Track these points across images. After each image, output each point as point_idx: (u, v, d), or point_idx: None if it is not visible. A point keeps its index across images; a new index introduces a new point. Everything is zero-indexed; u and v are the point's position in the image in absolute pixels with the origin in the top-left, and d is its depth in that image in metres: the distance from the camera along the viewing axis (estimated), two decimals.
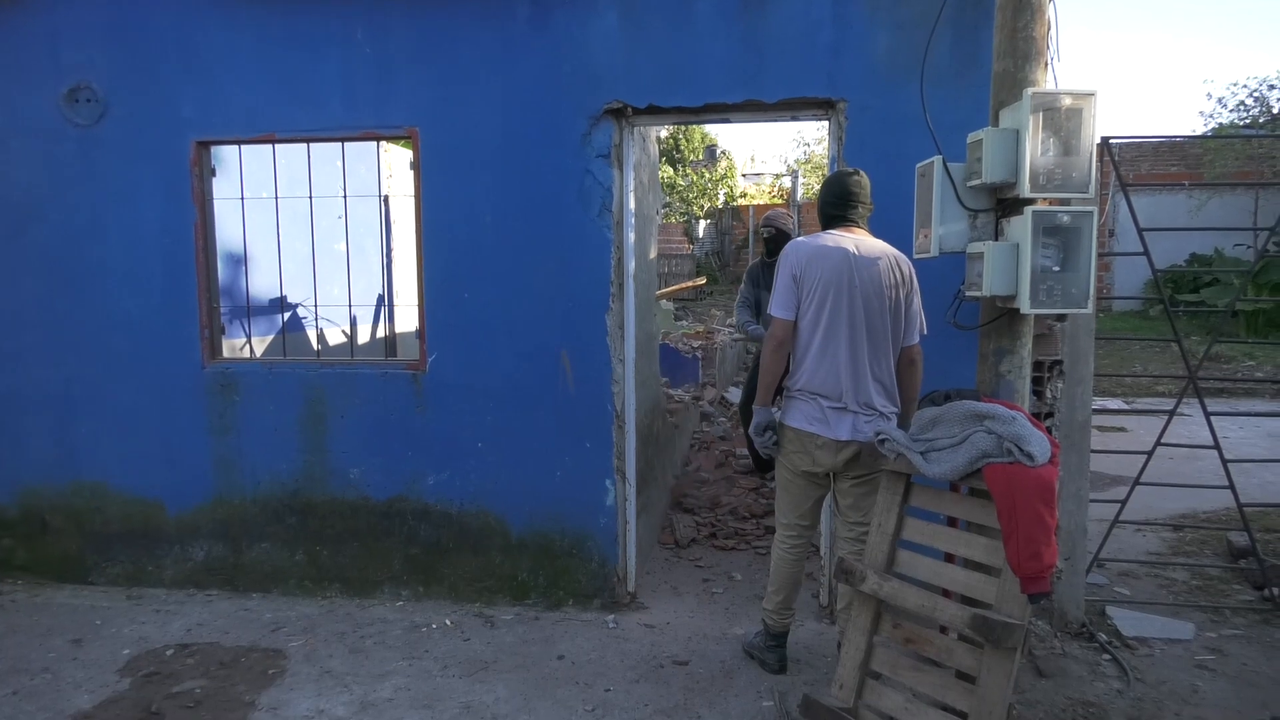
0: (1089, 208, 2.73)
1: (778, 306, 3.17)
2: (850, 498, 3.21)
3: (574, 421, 4.02)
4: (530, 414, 4.05)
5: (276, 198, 4.58)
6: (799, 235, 5.86)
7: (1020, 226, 2.73)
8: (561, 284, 3.97)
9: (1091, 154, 2.69)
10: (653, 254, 5.47)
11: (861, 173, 3.24)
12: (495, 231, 4.01)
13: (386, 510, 4.20)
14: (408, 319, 6.97)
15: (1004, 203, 2.87)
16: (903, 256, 3.14)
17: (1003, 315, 2.92)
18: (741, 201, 25.47)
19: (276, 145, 4.25)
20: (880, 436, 2.95)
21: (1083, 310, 2.73)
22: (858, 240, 3.14)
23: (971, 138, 2.84)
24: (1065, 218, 2.69)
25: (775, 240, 5.63)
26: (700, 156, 30.29)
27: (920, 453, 2.80)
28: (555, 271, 3.97)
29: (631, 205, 4.07)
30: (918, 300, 3.16)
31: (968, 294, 2.91)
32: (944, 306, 3.22)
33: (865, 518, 3.18)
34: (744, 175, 29.09)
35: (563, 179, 3.94)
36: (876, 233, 3.26)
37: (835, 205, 3.23)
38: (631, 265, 4.07)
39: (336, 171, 5.56)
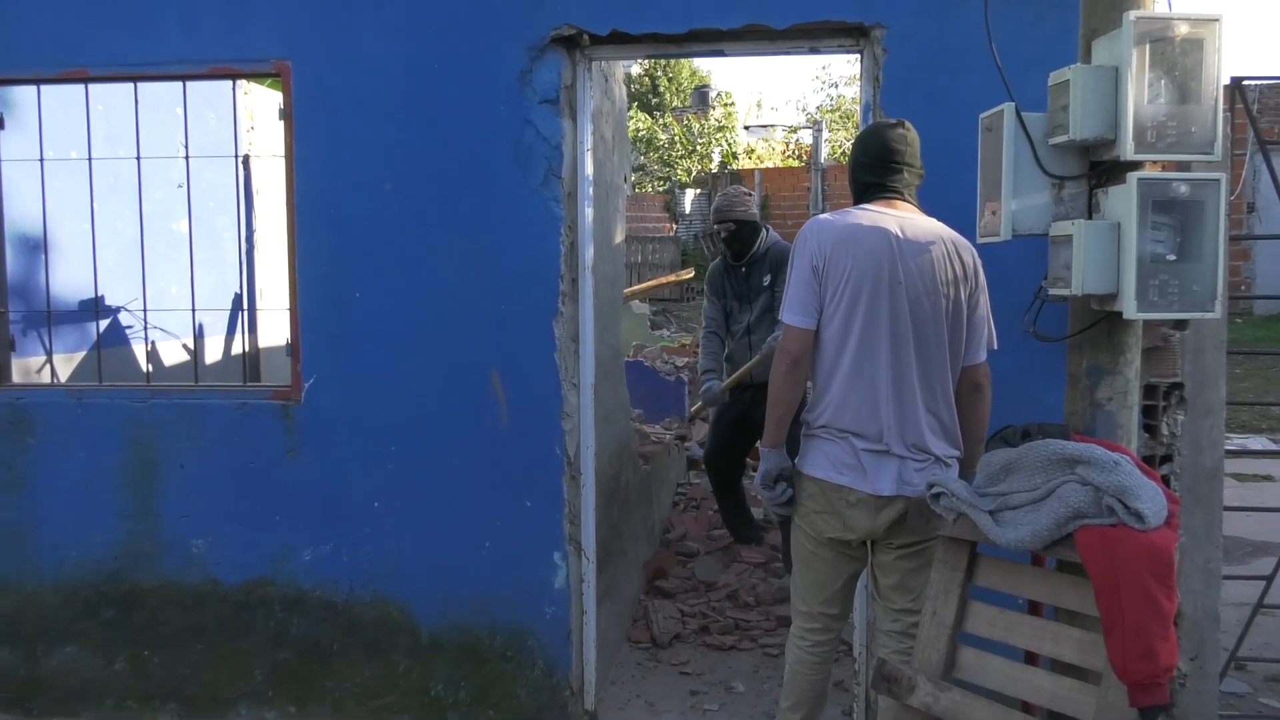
0: (1215, 174, 2.77)
1: (791, 310, 3.17)
2: (895, 575, 3.20)
3: (509, 471, 4.02)
4: (447, 460, 4.05)
5: (90, 159, 4.54)
6: (819, 213, 5.91)
7: (1122, 199, 2.77)
8: (491, 279, 3.98)
9: (1217, 101, 2.73)
10: (620, 237, 5.50)
11: (908, 125, 3.27)
12: (398, 206, 4.02)
13: (244, 598, 4.17)
14: (276, 328, 6.92)
15: (1099, 167, 2.90)
16: (965, 242, 3.16)
17: (1100, 322, 2.95)
18: (744, 164, 25.67)
19: (90, 85, 4.22)
20: (934, 489, 2.97)
21: (1209, 314, 2.76)
22: (903, 219, 3.15)
23: (1054, 78, 2.88)
24: (1183, 188, 2.72)
25: (737, 236, 5.67)
26: (688, 102, 30.52)
27: (989, 512, 2.82)
28: (483, 261, 3.98)
29: (589, 169, 4.08)
30: (986, 302, 3.19)
31: (1051, 292, 2.94)
32: (1018, 311, 3.25)
33: (916, 603, 3.17)
34: (747, 128, 29.31)
35: (493, 133, 3.95)
36: (925, 207, 3.30)
37: (872, 170, 3.24)
38: (590, 253, 4.08)
39: (176, 122, 5.52)
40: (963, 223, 3.29)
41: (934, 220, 3.19)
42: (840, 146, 26.55)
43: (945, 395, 3.16)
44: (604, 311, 4.59)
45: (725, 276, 5.80)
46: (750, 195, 5.83)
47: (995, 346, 3.23)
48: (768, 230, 5.82)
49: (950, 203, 3.41)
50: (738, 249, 5.67)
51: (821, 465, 3.20)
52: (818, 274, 3.13)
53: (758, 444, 6.16)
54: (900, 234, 3.11)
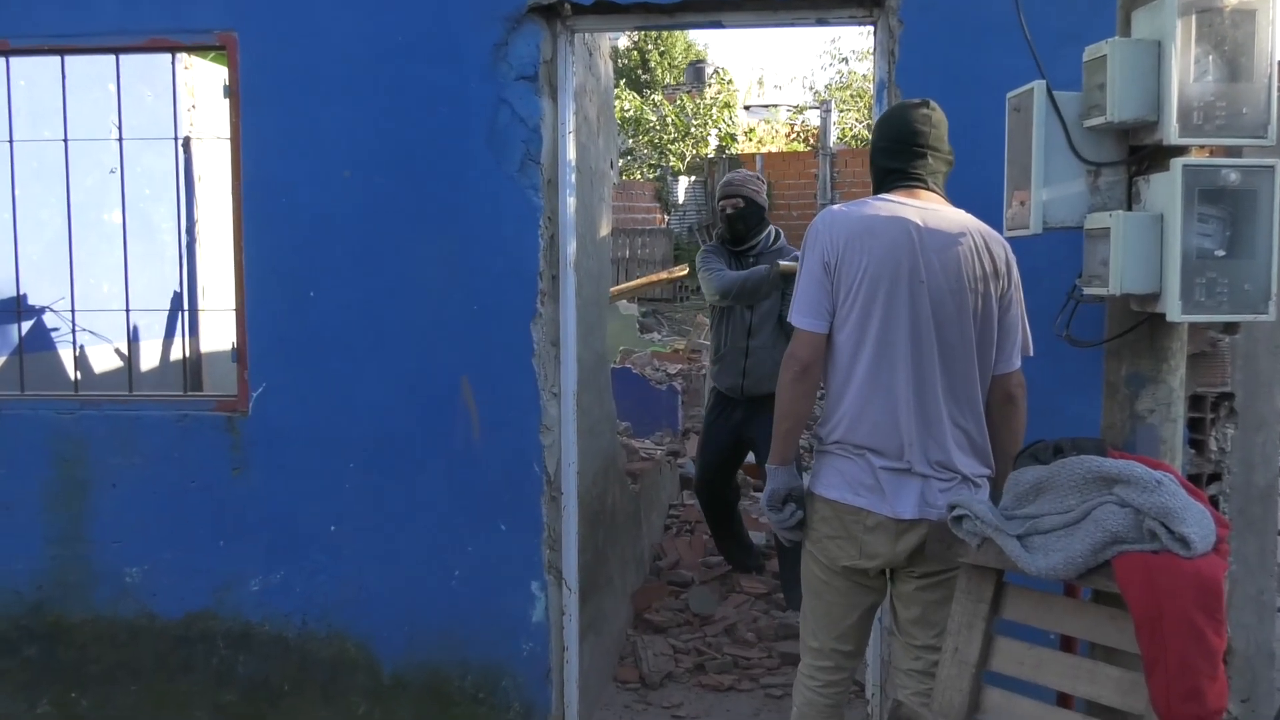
0: (1269, 161, 2.77)
1: (801, 311, 3.14)
2: (916, 607, 3.18)
3: (481, 490, 4.02)
4: (413, 479, 4.05)
5: (11, 141, 4.52)
6: (828, 202, 5.85)
7: (1165, 188, 2.77)
8: (462, 276, 3.98)
9: (1271, 79, 2.73)
10: (605, 229, 5.49)
11: (934, 105, 3.24)
12: (358, 195, 4.02)
13: (184, 632, 4.16)
14: (221, 331, 6.89)
15: (1140, 152, 2.90)
16: (997, 236, 3.14)
17: (1140, 325, 2.95)
18: (743, 147, 25.74)
19: (10, 58, 4.21)
20: (957, 512, 2.96)
21: (1263, 317, 2.76)
22: (925, 209, 3.12)
23: (1089, 53, 2.88)
24: (1233, 175, 2.72)
25: (744, 216, 5.68)
26: (681, 79, 30.59)
27: (1017, 536, 2.81)
28: (453, 257, 3.98)
29: (571, 154, 4.08)
30: (1021, 303, 3.17)
31: (1086, 292, 2.94)
32: (1049, 313, 3.25)
33: (939, 639, 3.14)
34: (747, 108, 29.43)
35: (464, 113, 3.95)
36: (946, 197, 3.29)
37: (893, 155, 3.23)
38: (572, 248, 4.08)
39: (108, 100, 5.50)
40: (987, 214, 3.28)
41: (961, 211, 3.17)
42: (851, 129, 26.64)
43: (973, 407, 3.14)
44: (588, 313, 4.58)
45: (727, 260, 5.76)
46: (762, 182, 5.84)
47: (1030, 352, 3.22)
48: (778, 232, 5.82)
49: (973, 192, 3.40)
50: (740, 231, 5.69)
51: (836, 485, 3.16)
52: (830, 271, 3.10)
53: (750, 459, 6.16)
54: (922, 226, 3.08)
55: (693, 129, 25.37)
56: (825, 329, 3.12)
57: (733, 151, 24.82)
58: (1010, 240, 3.13)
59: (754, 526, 6.64)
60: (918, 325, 3.07)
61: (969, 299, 3.08)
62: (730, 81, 27.71)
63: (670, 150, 25.29)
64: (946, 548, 3.03)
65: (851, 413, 3.13)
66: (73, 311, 4.77)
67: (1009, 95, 3.07)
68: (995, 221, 3.15)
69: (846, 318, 3.11)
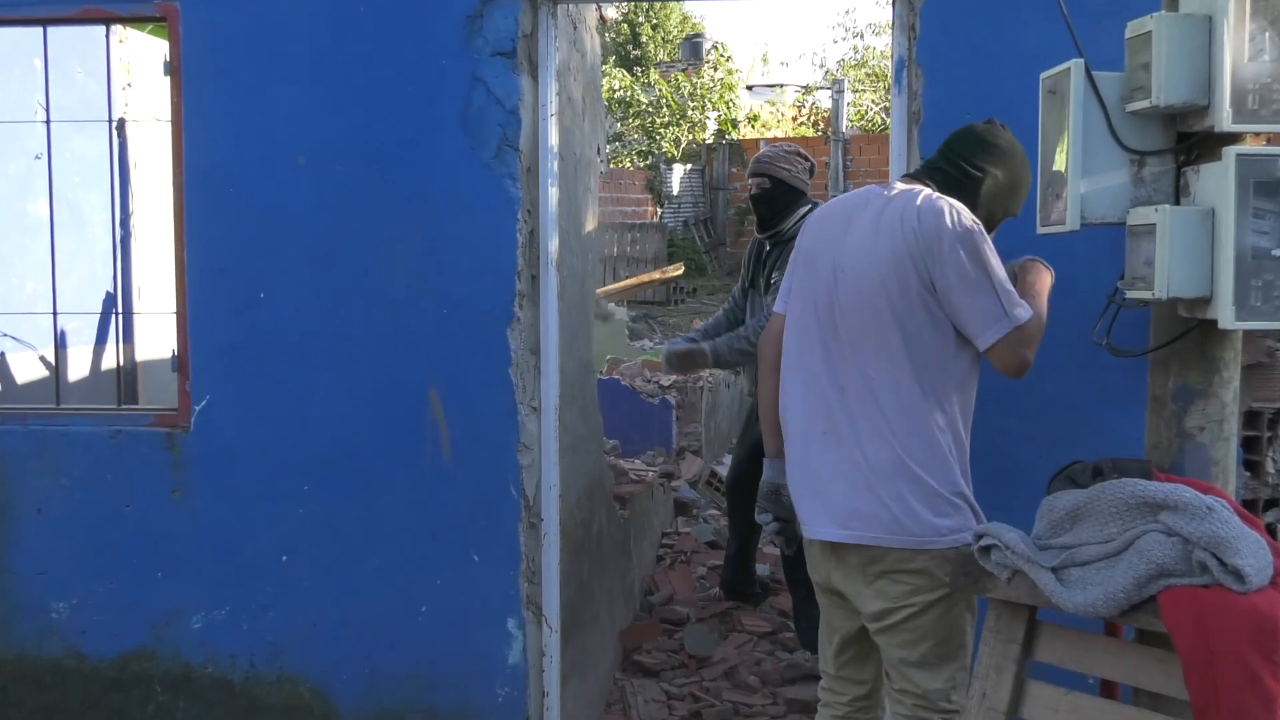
0: None
1: (780, 294, 3.45)
2: (883, 648, 3.27)
3: (452, 516, 4.02)
4: (375, 503, 4.05)
5: None
6: (841, 194, 5.84)
7: (1217, 180, 2.78)
8: (431, 276, 3.99)
9: None
10: (591, 224, 5.49)
11: (995, 123, 3.37)
12: (314, 184, 4.02)
13: (118, 675, 4.15)
14: (159, 337, 6.88)
15: (1189, 140, 2.92)
16: (939, 208, 3.12)
17: (1189, 333, 2.96)
18: (745, 132, 25.77)
19: None
20: (985, 542, 2.97)
21: None
22: (889, 191, 3.27)
23: (1132, 29, 2.89)
24: None
25: (772, 198, 5.50)
26: (676, 55, 30.59)
27: (1052, 569, 2.82)
28: (420, 254, 3.99)
29: (554, 139, 4.09)
30: (966, 272, 3.08)
31: (1128, 296, 2.95)
32: (1088, 319, 3.26)
33: (916, 685, 3.22)
34: (750, 88, 29.43)
35: (434, 93, 3.96)
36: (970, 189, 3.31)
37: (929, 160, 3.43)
38: (554, 244, 4.09)
39: (34, 78, 5.49)
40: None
41: (935, 194, 3.20)
42: (866, 111, 26.68)
43: (911, 403, 3.14)
44: (571, 317, 4.59)
45: (754, 254, 5.69)
46: (804, 160, 5.58)
47: (1020, 320, 3.08)
48: (815, 206, 5.70)
49: None
50: (765, 215, 5.50)
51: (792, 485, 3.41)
52: (795, 258, 3.40)
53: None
54: (864, 205, 3.25)
55: (689, 111, 25.38)
56: (783, 309, 3.40)
57: (733, 137, 24.84)
58: (1046, 240, 3.14)
59: (757, 558, 6.65)
60: (829, 310, 3.23)
61: (884, 281, 3.14)
62: (730, 58, 27.70)
63: (663, 135, 25.30)
64: (973, 581, 3.05)
65: (784, 406, 3.37)
66: None
67: (1043, 76, 3.08)
68: (1029, 218, 3.16)
69: (790, 309, 3.39)
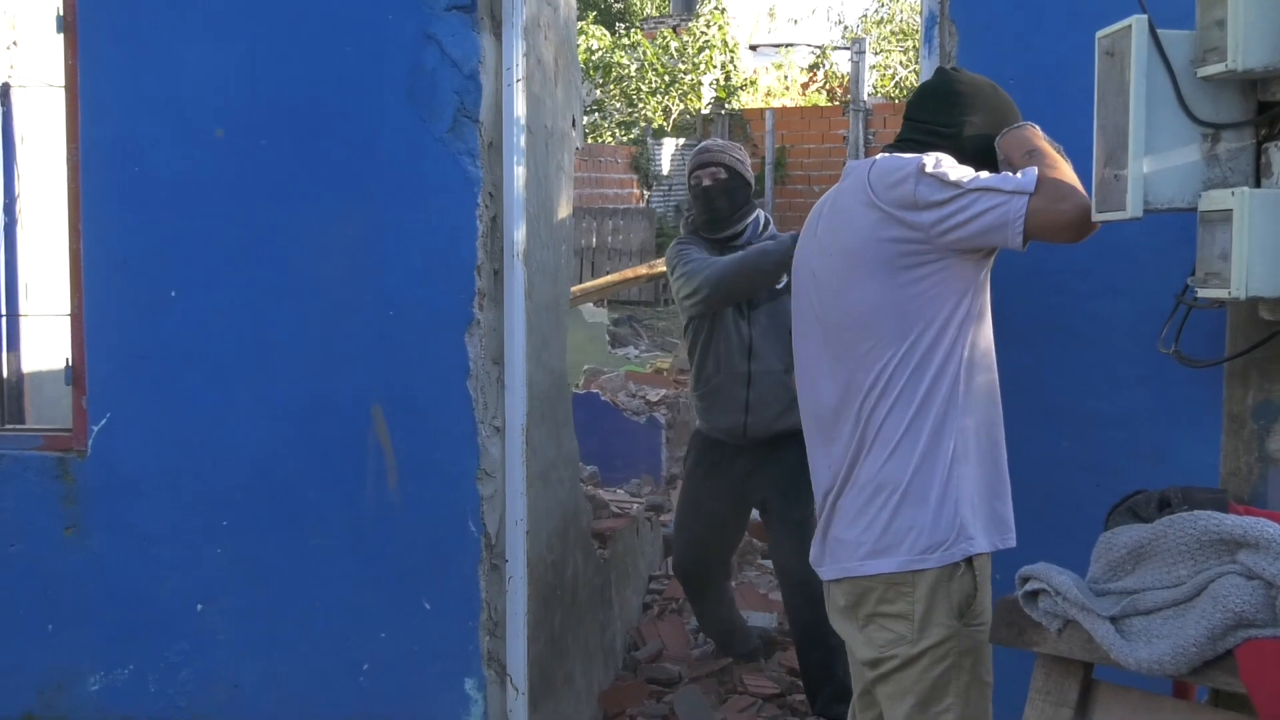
0: None
1: None
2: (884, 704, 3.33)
3: (399, 556, 4.03)
4: (307, 541, 4.05)
5: None
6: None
7: None
8: (374, 271, 4.00)
9: None
10: (565, 209, 5.48)
11: (947, 72, 3.45)
12: (235, 162, 4.03)
13: None
14: (50, 344, 6.86)
15: (1271, 110, 2.93)
16: (886, 164, 3.18)
17: (1273, 338, 2.97)
18: (746, 101, 25.78)
19: None
20: (1031, 585, 2.97)
21: None
22: (845, 178, 3.38)
23: None
24: None
25: (727, 191, 5.46)
26: (666, 9, 30.62)
27: (1111, 618, 2.82)
28: (360, 246, 4.00)
29: (520, 109, 4.09)
30: (945, 192, 3.08)
31: (1200, 295, 2.95)
32: (1152, 322, 3.27)
33: None
34: (754, 48, 29.47)
35: (377, 54, 3.96)
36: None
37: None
38: (521, 233, 4.09)
39: None
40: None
41: (878, 157, 3.28)
42: (892, 75, 26.73)
43: (884, 433, 3.20)
44: (542, 320, 4.59)
45: (711, 252, 5.62)
46: (744, 152, 5.73)
47: (1021, 187, 3.02)
48: (768, 219, 5.69)
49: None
50: (722, 210, 5.46)
51: None
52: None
53: (756, 517, 6.15)
54: (828, 199, 3.39)
55: (681, 76, 25.40)
56: None
57: (733, 106, 24.86)
58: (1103, 226, 3.14)
59: (760, 605, 6.64)
60: (818, 329, 3.35)
61: (850, 268, 3.20)
62: (724, 10, 27.74)
63: (650, 104, 25.33)
64: (1018, 634, 3.05)
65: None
66: None
67: (1099, 34, 3.09)
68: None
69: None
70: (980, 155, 3.29)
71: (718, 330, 5.47)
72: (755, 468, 5.48)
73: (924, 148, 3.28)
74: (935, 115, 3.37)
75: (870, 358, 3.18)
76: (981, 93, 3.36)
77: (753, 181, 5.67)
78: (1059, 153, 3.18)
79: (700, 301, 5.30)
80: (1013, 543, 3.22)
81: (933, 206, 3.05)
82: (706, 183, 5.47)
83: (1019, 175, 3.03)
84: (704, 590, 5.94)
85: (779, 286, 5.32)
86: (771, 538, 5.69)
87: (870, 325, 3.16)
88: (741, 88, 25.91)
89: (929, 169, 3.05)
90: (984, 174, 3.07)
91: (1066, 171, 3.08)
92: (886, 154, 3.27)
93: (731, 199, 5.48)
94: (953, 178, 3.03)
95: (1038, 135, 3.23)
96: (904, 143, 3.37)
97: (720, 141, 5.79)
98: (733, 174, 5.47)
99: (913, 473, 3.16)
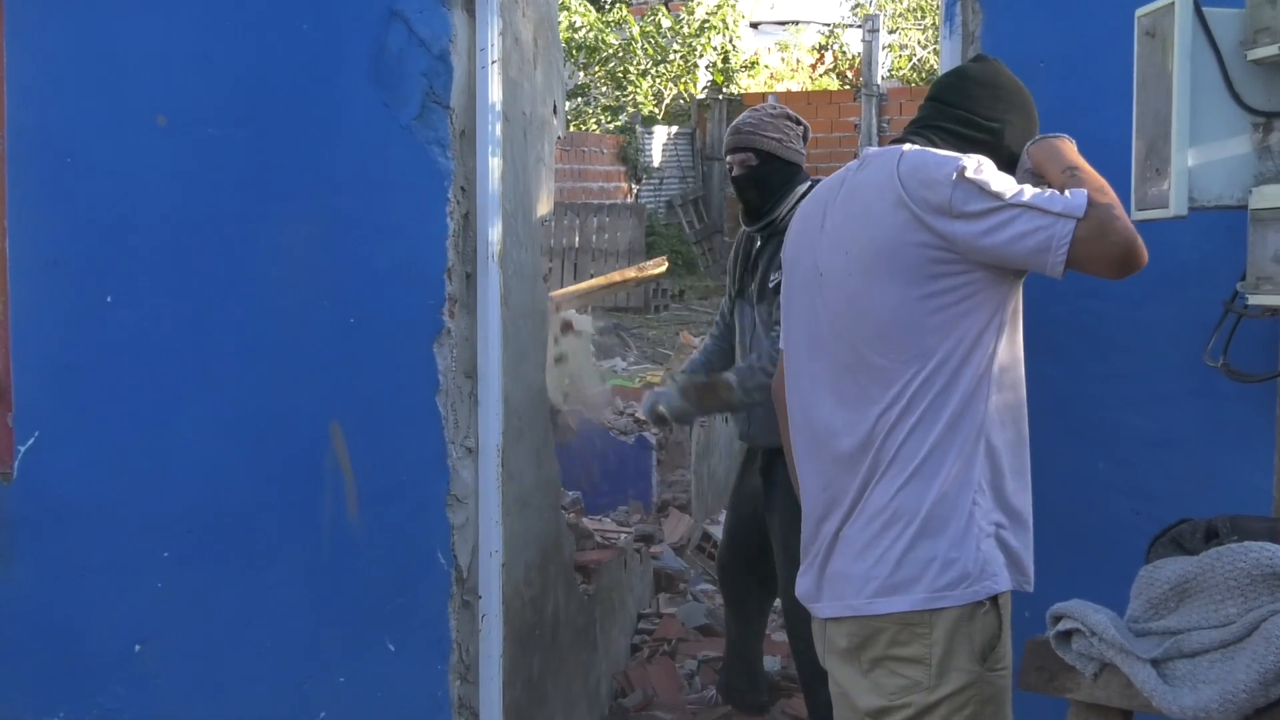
0: None
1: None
2: None
3: (360, 592, 4.03)
4: (258, 575, 4.05)
5: None
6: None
7: None
8: (332, 274, 4.00)
9: None
10: (546, 205, 5.49)
11: (988, 60, 3.40)
12: (178, 153, 4.02)
13: None
14: None
15: None
16: (923, 157, 3.13)
17: None
18: (747, 85, 25.78)
19: None
20: (1064, 625, 2.98)
21: None
22: (859, 164, 3.32)
23: None
24: None
25: (761, 178, 5.25)
26: None
27: (1151, 660, 2.83)
28: (317, 246, 4.00)
29: (496, 94, 4.10)
30: (986, 201, 3.03)
31: (1252, 302, 2.97)
32: (1199, 332, 3.29)
33: None
34: (755, 26, 29.48)
35: (336, 33, 3.97)
36: None
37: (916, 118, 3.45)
38: (496, 232, 4.11)
39: None
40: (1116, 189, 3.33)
41: (909, 147, 3.20)
42: (911, 56, 26.74)
43: (900, 457, 3.16)
44: (519, 329, 4.59)
45: (742, 251, 5.56)
46: (796, 124, 5.42)
47: (1071, 210, 2.94)
48: (815, 184, 5.55)
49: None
50: (753, 201, 5.29)
51: None
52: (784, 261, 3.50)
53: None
54: (838, 187, 3.28)
55: (674, 57, 25.42)
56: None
57: (733, 90, 24.87)
58: (1143, 226, 3.14)
59: (767, 648, 6.65)
60: (815, 326, 3.29)
61: (872, 265, 3.13)
62: None
63: (640, 88, 25.33)
64: (1049, 679, 3.06)
65: (792, 457, 3.50)
66: None
67: (1139, 13, 3.10)
68: (1123, 200, 3.17)
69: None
70: (1012, 163, 3.26)
71: (769, 337, 5.25)
72: (765, 475, 5.34)
73: (958, 141, 3.25)
74: (977, 106, 3.31)
75: (889, 374, 3.11)
76: (1023, 94, 3.34)
77: (800, 157, 5.38)
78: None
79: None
80: (1029, 586, 3.19)
81: (968, 217, 2.98)
82: (736, 172, 5.32)
83: (1067, 195, 2.95)
84: (744, 599, 5.79)
85: (770, 286, 5.24)
86: (776, 568, 5.64)
87: (891, 337, 3.10)
88: (743, 70, 25.93)
89: (970, 173, 2.98)
90: (1028, 188, 2.99)
91: (1115, 199, 3.00)
92: (916, 146, 3.18)
93: (762, 189, 5.27)
94: (994, 188, 2.96)
95: (1074, 150, 3.18)
96: (931, 130, 3.31)
97: (754, 115, 5.41)
98: (765, 158, 5.26)
99: (933, 501, 3.10)
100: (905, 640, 3.10)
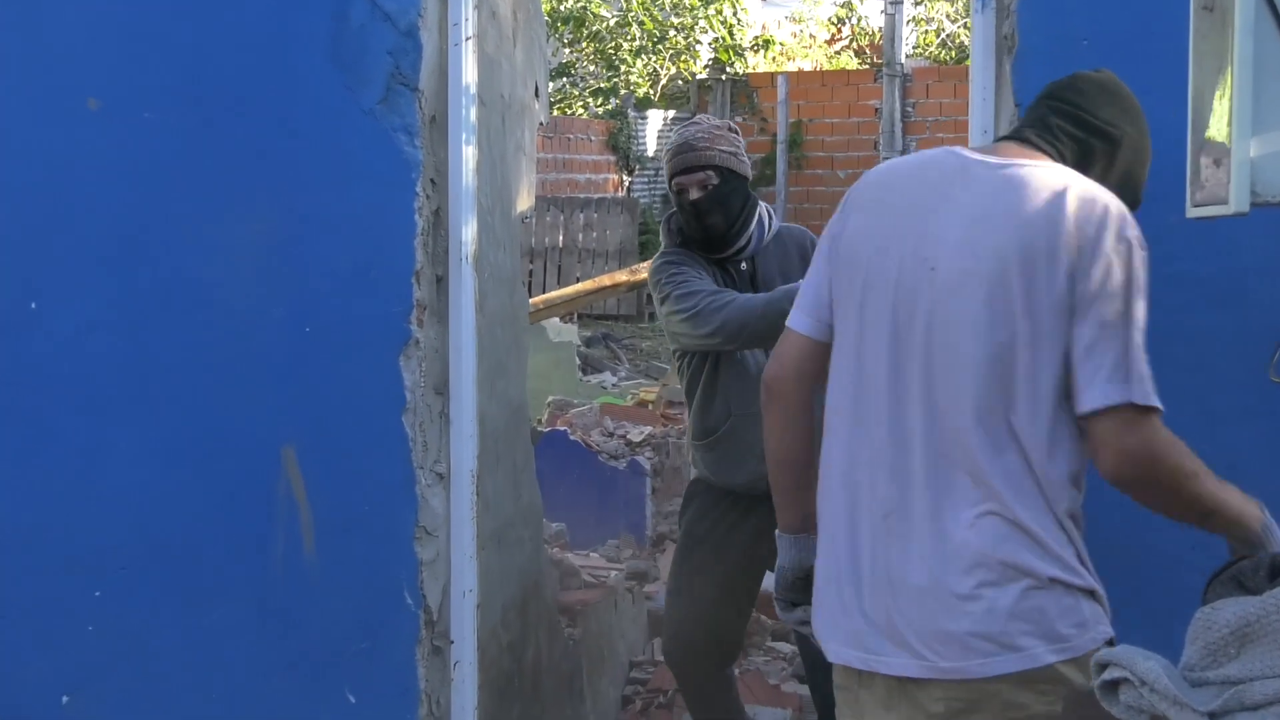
0: None
1: (801, 304, 3.42)
2: None
3: (317, 636, 4.04)
4: (200, 617, 4.05)
5: None
6: (899, 152, 5.74)
7: None
8: (285, 277, 4.03)
9: None
10: (526, 200, 5.50)
11: (1109, 72, 3.40)
12: (112, 141, 4.04)
13: None
14: None
15: None
16: (1099, 199, 3.10)
17: None
18: (757, 63, 25.79)
19: None
20: (1112, 674, 3.00)
21: None
22: (996, 159, 3.22)
23: None
24: None
25: (720, 201, 5.09)
26: None
27: (1208, 714, 2.85)
28: (269, 245, 4.03)
29: (471, 76, 4.14)
30: (1118, 308, 3.09)
31: None
32: (1258, 344, 3.30)
33: None
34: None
35: (291, 6, 3.99)
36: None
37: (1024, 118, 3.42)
38: (471, 230, 4.13)
39: None
40: (1160, 180, 3.34)
41: (1062, 171, 3.17)
42: (939, 31, 26.77)
43: (1023, 459, 3.11)
44: (496, 339, 4.61)
45: (721, 283, 5.44)
46: (736, 134, 5.38)
47: (1137, 398, 3.03)
48: (769, 212, 5.44)
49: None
50: (719, 226, 5.14)
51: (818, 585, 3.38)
52: (836, 245, 3.31)
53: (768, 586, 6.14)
54: (961, 176, 3.17)
55: (671, 32, 25.43)
56: (811, 329, 3.35)
57: (738, 70, 24.87)
58: (1196, 225, 3.17)
59: (771, 699, 6.66)
60: (904, 335, 3.15)
61: (1001, 290, 3.06)
62: None
63: (632, 66, 25.33)
64: None
65: (824, 466, 3.34)
66: None
67: None
68: (1172, 194, 3.19)
69: (840, 321, 3.31)
70: (1122, 179, 3.27)
71: (726, 363, 5.23)
72: (772, 525, 5.14)
73: (1073, 144, 3.25)
74: (1096, 108, 3.30)
75: (995, 395, 3.06)
76: (1140, 110, 3.35)
77: (749, 171, 5.33)
78: None
79: (714, 345, 5.06)
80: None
81: (1097, 301, 2.99)
82: (694, 195, 5.13)
83: (1150, 391, 2.98)
84: (703, 682, 5.62)
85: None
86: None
87: (1007, 361, 3.05)
88: (751, 48, 25.95)
89: (1138, 247, 3.00)
90: (1143, 327, 3.01)
91: (1182, 462, 3.06)
92: (1084, 184, 3.09)
93: (728, 211, 5.16)
94: (1138, 297, 2.99)
95: (1235, 499, 3.19)
96: (1056, 132, 3.27)
97: (703, 127, 5.30)
98: (726, 176, 5.13)
99: (1050, 532, 3.08)
100: (1025, 703, 3.08)
